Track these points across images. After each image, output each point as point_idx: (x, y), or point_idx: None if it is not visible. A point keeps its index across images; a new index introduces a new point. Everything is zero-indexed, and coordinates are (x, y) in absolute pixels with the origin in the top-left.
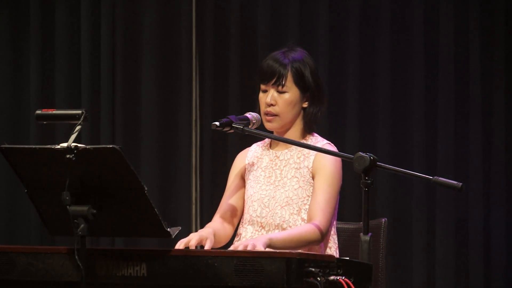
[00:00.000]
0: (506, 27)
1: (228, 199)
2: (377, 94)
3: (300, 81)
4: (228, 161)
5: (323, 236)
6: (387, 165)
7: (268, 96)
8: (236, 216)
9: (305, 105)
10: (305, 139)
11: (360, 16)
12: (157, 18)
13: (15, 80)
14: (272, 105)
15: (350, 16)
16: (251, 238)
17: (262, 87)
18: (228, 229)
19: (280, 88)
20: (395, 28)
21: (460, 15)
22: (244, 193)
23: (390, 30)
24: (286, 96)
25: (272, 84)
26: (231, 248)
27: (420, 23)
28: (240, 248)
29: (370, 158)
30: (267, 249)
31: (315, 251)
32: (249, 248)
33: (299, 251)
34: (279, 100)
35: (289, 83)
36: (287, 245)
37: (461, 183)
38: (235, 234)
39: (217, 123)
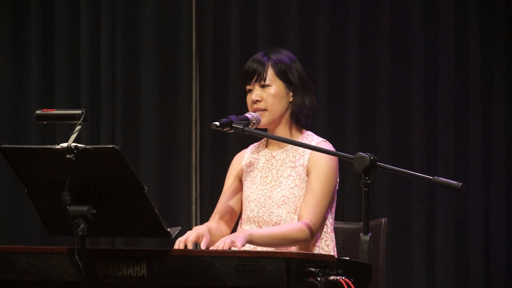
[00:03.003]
0: (506, 26)
1: (225, 201)
2: (377, 94)
3: (282, 74)
4: (228, 161)
5: (313, 235)
6: (387, 165)
7: (253, 94)
8: (233, 218)
9: (291, 99)
10: (300, 137)
11: (360, 16)
12: (157, 18)
13: (15, 80)
14: (258, 101)
15: (350, 16)
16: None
17: (247, 88)
18: (224, 230)
19: (262, 82)
20: (395, 28)
21: (460, 14)
22: (240, 195)
23: (390, 30)
24: (271, 90)
25: (255, 81)
26: (220, 242)
27: (420, 22)
28: (220, 245)
29: (370, 158)
30: (247, 246)
31: (306, 248)
32: (227, 243)
33: (299, 251)
34: (264, 95)
35: (271, 76)
36: (269, 241)
37: (461, 183)
38: None
39: (217, 123)
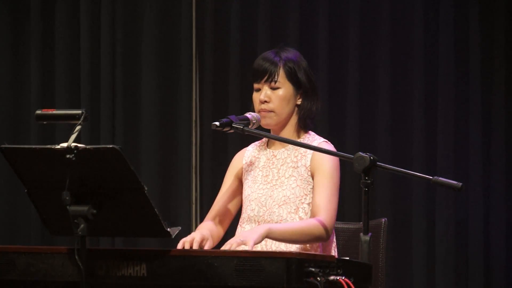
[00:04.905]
0: (506, 26)
1: (222, 202)
2: (377, 94)
3: (293, 78)
4: (228, 161)
5: (328, 233)
6: (387, 165)
7: (262, 94)
8: (228, 218)
9: (299, 102)
10: (302, 138)
11: (360, 16)
12: (157, 18)
13: (15, 80)
14: (266, 102)
15: (350, 17)
16: (247, 230)
17: (256, 86)
18: (220, 232)
19: (273, 84)
20: (396, 29)
21: (460, 14)
22: (238, 196)
23: (391, 30)
24: (280, 92)
25: (265, 81)
26: (226, 245)
27: (420, 22)
28: (227, 247)
29: (370, 158)
30: (266, 240)
31: (324, 248)
32: (235, 244)
33: (299, 251)
34: (272, 97)
35: (282, 79)
36: (287, 237)
37: (461, 183)
38: (232, 233)
39: (217, 123)
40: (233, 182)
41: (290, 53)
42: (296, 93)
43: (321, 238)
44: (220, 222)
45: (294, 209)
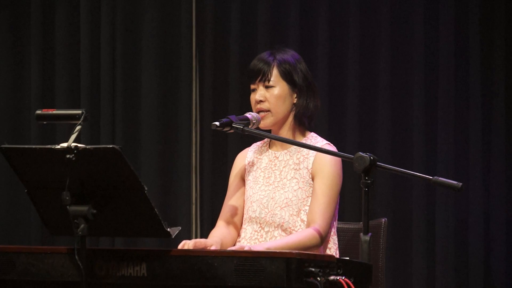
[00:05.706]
0: (506, 25)
1: (231, 203)
2: (377, 94)
3: (287, 76)
4: (228, 161)
5: (323, 240)
6: (387, 165)
7: (257, 94)
8: (239, 219)
9: (296, 100)
10: (305, 139)
11: (360, 16)
12: (157, 18)
13: (15, 80)
14: (262, 101)
15: (350, 17)
16: (249, 244)
17: (252, 86)
18: (233, 233)
19: (267, 83)
20: (395, 29)
21: (460, 14)
22: (244, 193)
23: (390, 30)
24: (275, 91)
25: (259, 81)
26: None
27: (420, 22)
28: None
29: (370, 158)
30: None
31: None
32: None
33: (299, 251)
34: (267, 96)
35: (276, 77)
36: None
37: (461, 183)
38: None
39: (217, 123)
40: (238, 182)
41: (285, 53)
42: (292, 92)
43: (316, 247)
44: (232, 224)
45: (296, 212)
